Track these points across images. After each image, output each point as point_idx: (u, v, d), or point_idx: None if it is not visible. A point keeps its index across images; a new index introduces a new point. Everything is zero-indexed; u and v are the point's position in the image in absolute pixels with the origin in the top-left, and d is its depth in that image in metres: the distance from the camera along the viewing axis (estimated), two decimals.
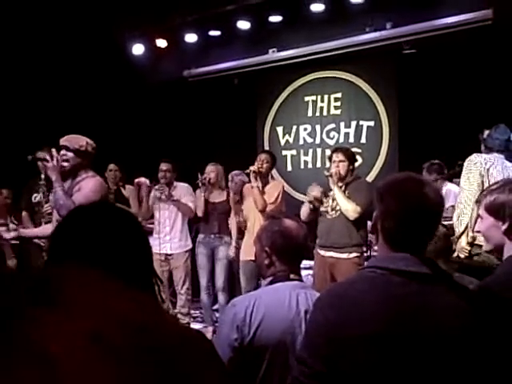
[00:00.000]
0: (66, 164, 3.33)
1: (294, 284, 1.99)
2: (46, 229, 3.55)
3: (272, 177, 5.36)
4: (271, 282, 2.01)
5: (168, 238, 5.31)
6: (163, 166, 5.31)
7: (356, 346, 1.32)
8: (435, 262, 1.80)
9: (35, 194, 4.95)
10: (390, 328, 1.32)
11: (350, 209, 4.22)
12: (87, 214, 1.26)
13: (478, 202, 1.87)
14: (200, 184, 5.27)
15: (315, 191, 4.47)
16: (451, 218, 3.70)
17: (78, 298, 0.51)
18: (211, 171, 5.37)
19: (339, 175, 4.36)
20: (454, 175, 4.83)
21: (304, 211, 4.53)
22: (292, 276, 2.01)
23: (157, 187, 5.32)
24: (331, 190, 4.43)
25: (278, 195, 4.98)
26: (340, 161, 4.40)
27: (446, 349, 1.33)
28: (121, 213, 1.30)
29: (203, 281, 5.36)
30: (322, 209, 4.47)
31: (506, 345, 1.47)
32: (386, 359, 1.31)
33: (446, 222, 3.05)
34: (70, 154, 3.34)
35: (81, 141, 3.39)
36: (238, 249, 5.28)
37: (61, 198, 3.22)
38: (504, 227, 1.72)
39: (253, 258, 4.76)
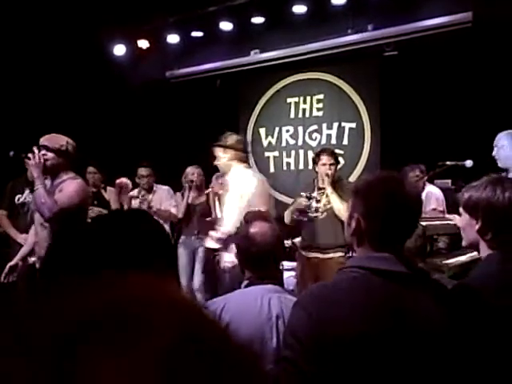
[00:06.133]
0: (46, 164, 3.29)
1: (266, 288, 1.94)
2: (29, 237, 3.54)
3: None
4: (246, 286, 1.97)
5: None
6: (143, 172, 5.26)
7: (338, 347, 1.32)
8: (413, 260, 1.83)
9: (18, 195, 4.83)
10: (372, 328, 1.33)
11: (343, 208, 4.18)
12: (125, 221, 1.24)
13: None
14: (187, 187, 5.26)
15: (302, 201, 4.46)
16: (432, 218, 3.73)
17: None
18: (192, 173, 5.36)
19: (331, 177, 4.37)
20: (435, 176, 4.87)
21: (287, 216, 4.51)
22: (266, 280, 1.95)
23: (136, 193, 5.28)
24: (314, 191, 4.44)
25: None
26: (331, 164, 4.42)
27: (427, 348, 1.34)
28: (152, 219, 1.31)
29: (183, 282, 5.34)
30: (306, 210, 4.47)
31: (479, 346, 1.49)
32: (368, 359, 1.32)
33: (424, 223, 3.08)
34: (51, 154, 3.29)
35: (61, 140, 3.34)
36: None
37: (42, 196, 3.17)
38: (477, 226, 1.71)
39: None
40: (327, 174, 4.35)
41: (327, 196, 4.35)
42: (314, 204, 4.41)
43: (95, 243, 1.21)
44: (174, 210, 5.26)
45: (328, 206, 4.35)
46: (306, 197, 4.42)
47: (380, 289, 1.37)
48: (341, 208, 4.23)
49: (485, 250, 1.72)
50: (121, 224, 1.24)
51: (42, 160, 3.25)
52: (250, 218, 2.07)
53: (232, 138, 4.22)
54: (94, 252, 1.19)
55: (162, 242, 1.22)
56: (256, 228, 1.99)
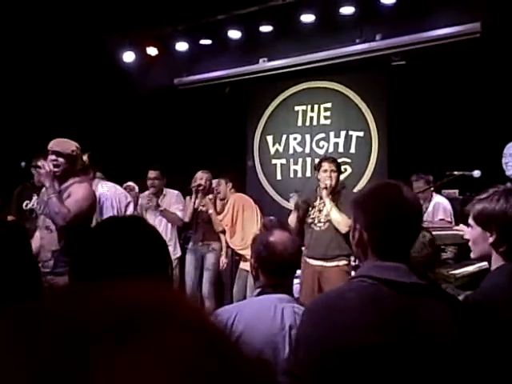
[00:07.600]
0: (56, 169, 3.29)
1: (280, 297, 1.91)
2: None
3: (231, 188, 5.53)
4: (258, 294, 1.95)
5: None
6: (151, 174, 5.28)
7: (347, 358, 1.31)
8: (422, 271, 1.82)
9: (26, 201, 4.83)
10: (380, 339, 1.32)
11: (342, 221, 4.20)
12: (119, 228, 1.27)
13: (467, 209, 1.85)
14: (193, 191, 5.29)
15: (293, 200, 4.51)
16: (439, 228, 3.73)
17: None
18: (201, 178, 5.38)
19: (332, 186, 4.36)
20: (443, 186, 4.86)
21: (291, 221, 4.51)
22: (280, 289, 1.93)
23: (144, 195, 5.31)
24: (317, 199, 4.45)
25: (228, 209, 5.21)
26: (332, 171, 4.40)
27: (436, 360, 1.33)
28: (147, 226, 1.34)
29: (189, 289, 5.34)
30: (308, 220, 4.47)
31: (490, 357, 1.48)
32: (376, 370, 1.31)
33: (434, 233, 3.07)
34: (62, 160, 3.30)
35: (71, 145, 3.36)
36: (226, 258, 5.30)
37: (55, 206, 3.17)
38: (491, 239, 1.69)
39: (247, 268, 4.75)
40: (326, 185, 4.34)
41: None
42: (316, 214, 4.42)
43: (89, 251, 1.24)
44: (180, 214, 5.27)
45: (329, 217, 4.35)
46: (310, 205, 4.45)
47: (389, 299, 1.36)
48: (339, 221, 4.22)
49: (498, 262, 1.70)
50: (113, 231, 1.26)
51: (53, 167, 3.27)
52: (268, 225, 2.05)
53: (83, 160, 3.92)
54: (87, 260, 1.21)
55: (154, 249, 1.23)
56: (275, 237, 1.95)
